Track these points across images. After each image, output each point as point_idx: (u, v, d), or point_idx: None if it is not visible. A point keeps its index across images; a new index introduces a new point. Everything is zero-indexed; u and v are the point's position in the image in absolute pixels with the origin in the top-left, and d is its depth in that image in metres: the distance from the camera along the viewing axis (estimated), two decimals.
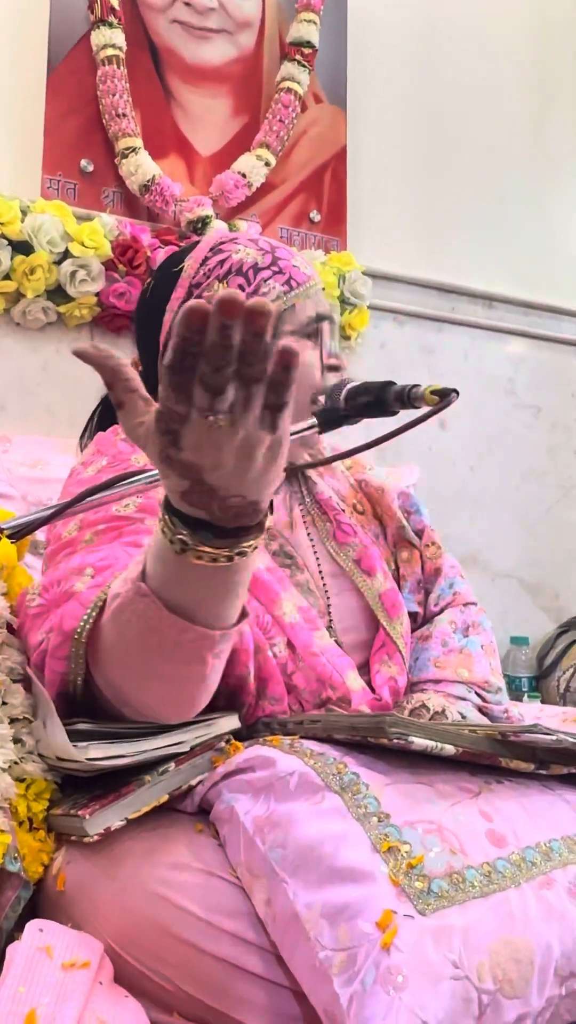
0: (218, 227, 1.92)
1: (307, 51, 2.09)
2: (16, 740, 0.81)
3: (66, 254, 1.75)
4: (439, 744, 0.74)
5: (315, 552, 1.07)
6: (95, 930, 0.72)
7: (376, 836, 0.67)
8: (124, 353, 1.62)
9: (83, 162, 1.85)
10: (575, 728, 1.14)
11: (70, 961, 0.65)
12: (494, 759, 0.77)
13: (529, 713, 1.24)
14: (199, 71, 2.01)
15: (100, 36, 1.85)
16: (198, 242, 1.07)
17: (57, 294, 1.78)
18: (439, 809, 0.71)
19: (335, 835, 0.67)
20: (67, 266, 1.74)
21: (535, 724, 0.79)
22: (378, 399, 0.97)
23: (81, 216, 1.80)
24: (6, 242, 1.71)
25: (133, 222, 1.86)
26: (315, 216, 2.13)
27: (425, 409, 0.94)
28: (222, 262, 1.01)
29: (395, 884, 0.64)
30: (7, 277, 1.72)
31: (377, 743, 0.75)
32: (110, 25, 1.85)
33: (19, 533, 0.87)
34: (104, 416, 1.15)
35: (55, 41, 1.84)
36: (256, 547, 0.65)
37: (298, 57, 2.08)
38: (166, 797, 0.77)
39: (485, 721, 1.04)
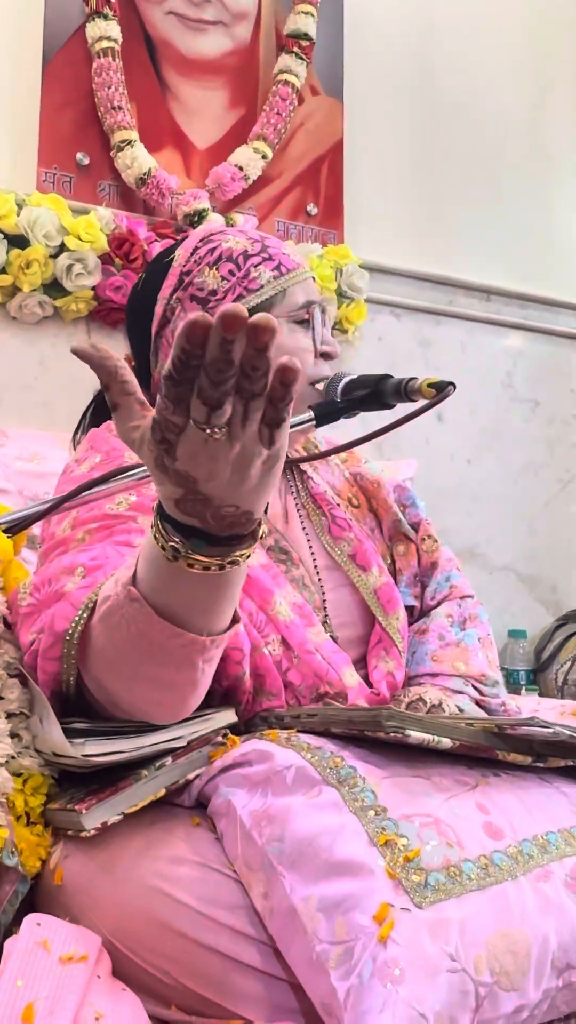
0: (215, 220, 1.91)
1: (304, 43, 2.08)
2: (13, 735, 0.81)
3: (62, 248, 1.74)
4: (436, 737, 0.74)
5: (310, 546, 1.06)
6: (93, 924, 0.72)
7: (373, 829, 0.67)
8: (120, 347, 1.62)
9: (79, 155, 1.84)
10: (573, 721, 1.14)
11: (68, 955, 0.65)
12: (491, 752, 0.77)
13: (527, 706, 1.24)
14: (195, 63, 2.00)
15: (95, 28, 1.84)
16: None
17: (53, 288, 1.77)
18: (436, 802, 0.71)
19: (332, 828, 0.67)
20: (63, 260, 1.74)
21: (532, 717, 0.79)
22: (375, 392, 0.97)
23: (77, 209, 1.79)
24: (2, 236, 1.70)
25: (129, 215, 1.85)
26: (312, 209, 2.12)
27: (422, 402, 0.94)
28: (212, 250, 1.01)
29: (392, 877, 0.64)
30: (3, 271, 1.72)
31: (374, 736, 0.75)
32: (105, 17, 1.84)
33: (15, 528, 0.87)
34: (97, 413, 1.15)
35: (50, 33, 1.83)
36: (248, 556, 0.64)
37: (295, 49, 2.07)
38: (163, 791, 0.77)
39: (482, 714, 1.04)
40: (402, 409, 0.95)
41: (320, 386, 1.01)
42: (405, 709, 0.97)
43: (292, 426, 0.91)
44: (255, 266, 0.99)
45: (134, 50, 1.91)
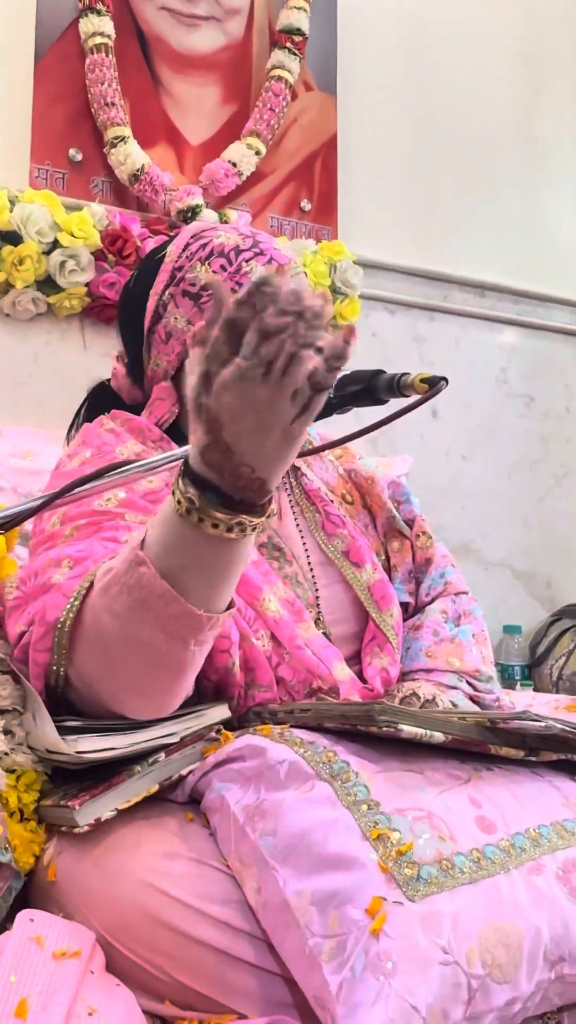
0: (208, 216, 1.91)
1: (297, 39, 2.07)
2: (6, 731, 0.81)
3: (55, 244, 1.74)
4: (428, 731, 0.74)
5: (304, 543, 1.06)
6: (86, 919, 0.72)
7: (366, 823, 0.67)
8: (113, 343, 1.62)
9: (72, 151, 1.83)
10: (567, 715, 1.14)
11: (61, 950, 0.65)
12: (484, 746, 0.78)
13: (521, 701, 1.25)
14: (188, 59, 1.99)
15: (88, 24, 1.83)
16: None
17: (47, 285, 1.77)
18: (429, 796, 0.72)
19: (325, 823, 0.67)
20: (56, 256, 1.73)
21: (524, 711, 0.79)
22: (368, 388, 0.96)
23: (70, 206, 1.78)
24: None
25: (123, 212, 1.84)
26: (306, 205, 2.12)
27: (415, 397, 0.94)
28: (204, 245, 1.02)
29: (384, 871, 0.64)
30: None
31: (367, 731, 0.76)
32: (98, 13, 1.83)
33: (7, 524, 0.87)
34: (91, 410, 1.15)
35: (43, 29, 1.82)
36: (256, 528, 0.67)
37: (288, 45, 2.06)
38: (156, 787, 0.77)
39: (476, 709, 1.05)
40: (396, 405, 0.95)
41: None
42: (399, 704, 0.98)
43: None
44: (246, 261, 0.99)
45: (127, 46, 1.90)
